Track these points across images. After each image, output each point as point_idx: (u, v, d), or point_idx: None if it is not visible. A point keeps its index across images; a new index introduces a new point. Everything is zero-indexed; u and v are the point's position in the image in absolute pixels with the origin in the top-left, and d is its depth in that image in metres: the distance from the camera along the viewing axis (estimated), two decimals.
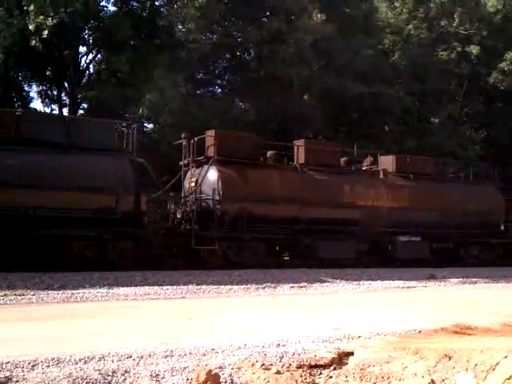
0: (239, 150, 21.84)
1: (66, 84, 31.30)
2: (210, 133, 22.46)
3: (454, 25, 39.46)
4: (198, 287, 16.79)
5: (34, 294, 14.39)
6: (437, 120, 42.43)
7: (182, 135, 22.66)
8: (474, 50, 38.57)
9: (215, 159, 21.59)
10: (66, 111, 31.65)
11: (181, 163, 22.95)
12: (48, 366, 7.01)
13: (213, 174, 21.57)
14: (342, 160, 24.86)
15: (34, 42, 25.49)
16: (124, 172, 19.65)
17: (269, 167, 22.77)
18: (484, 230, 27.42)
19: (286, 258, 24.60)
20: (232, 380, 7.30)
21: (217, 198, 21.15)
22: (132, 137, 20.36)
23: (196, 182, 21.81)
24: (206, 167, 21.69)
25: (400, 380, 7.63)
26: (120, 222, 19.31)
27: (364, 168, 25.71)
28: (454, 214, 26.30)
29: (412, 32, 39.63)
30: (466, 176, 28.20)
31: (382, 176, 25.14)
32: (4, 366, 6.89)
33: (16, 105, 30.68)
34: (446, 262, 25.83)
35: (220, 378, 7.21)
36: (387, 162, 26.03)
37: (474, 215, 26.86)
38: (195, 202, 21.51)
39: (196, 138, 22.38)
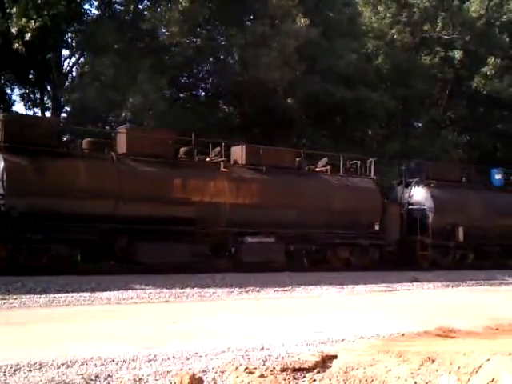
0: (35, 136, 18.42)
1: (48, 87, 31.17)
2: None
3: (437, 29, 39.69)
4: (182, 291, 16.78)
5: (16, 298, 14.31)
6: (420, 124, 42.66)
7: None
8: (457, 54, 38.81)
9: (1, 146, 18.22)
10: (48, 114, 31.53)
11: None
12: (30, 371, 6.97)
13: None
14: (182, 150, 21.95)
15: (16, 45, 25.34)
16: None
17: (74, 157, 19.39)
18: (355, 230, 24.38)
19: (111, 263, 21.26)
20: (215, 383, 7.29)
21: (0, 191, 17.88)
22: None
23: None
24: None
25: (383, 383, 7.64)
26: None
27: (208, 160, 22.35)
28: (318, 212, 23.23)
29: (395, 36, 39.82)
30: (336, 170, 24.87)
31: (223, 168, 21.71)
32: None
33: None
34: (312, 265, 23.93)
35: (203, 381, 7.19)
36: (237, 153, 22.94)
37: (343, 213, 23.80)
38: None
39: None
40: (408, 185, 27.38)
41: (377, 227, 25.03)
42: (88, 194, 18.66)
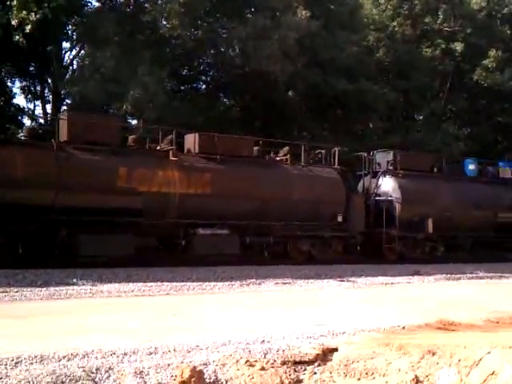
0: None
1: (49, 80, 31.10)
2: None
3: (438, 22, 39.58)
4: (183, 284, 16.79)
5: (17, 291, 14.34)
6: (421, 117, 42.61)
7: None
8: (458, 46, 38.72)
9: None
10: (49, 107, 31.51)
11: None
12: (31, 363, 6.98)
13: None
14: (130, 138, 21.10)
15: (16, 38, 25.31)
16: None
17: (11, 144, 18.56)
18: (316, 221, 23.25)
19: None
20: (216, 376, 7.31)
21: None
22: None
23: None
24: None
25: (384, 376, 7.67)
26: None
27: (158, 148, 21.09)
28: (277, 203, 22.20)
29: (396, 29, 39.74)
30: (296, 159, 23.80)
31: (172, 157, 20.50)
32: None
33: None
34: (274, 258, 22.77)
35: (204, 374, 7.22)
36: (190, 141, 21.83)
37: (304, 204, 22.73)
38: None
39: None
40: (375, 175, 26.41)
41: (340, 219, 23.96)
42: (26, 183, 17.72)
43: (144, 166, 20.06)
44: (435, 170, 28.09)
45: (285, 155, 23.91)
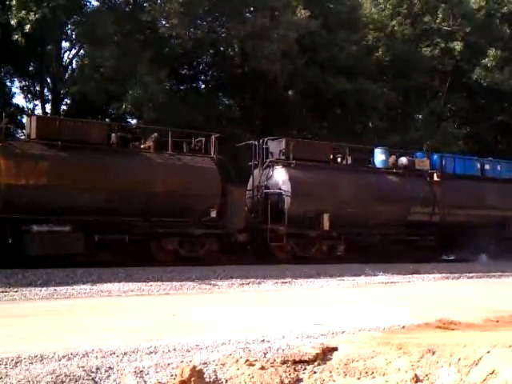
0: None
1: (48, 79, 31.10)
2: None
3: (438, 21, 39.57)
4: (182, 283, 16.81)
5: (16, 291, 14.35)
6: (420, 116, 42.61)
7: None
8: (458, 46, 38.70)
9: None
10: (48, 107, 31.51)
11: None
12: (31, 363, 6.98)
13: None
14: None
15: (16, 37, 25.30)
16: None
17: None
18: (185, 217, 20.69)
19: None
20: (216, 376, 7.31)
21: None
22: None
23: None
24: None
25: (384, 375, 7.67)
26: None
27: None
28: (135, 196, 19.67)
29: (396, 28, 39.72)
30: (160, 147, 21.11)
31: None
32: None
33: None
34: (136, 258, 20.16)
35: (204, 374, 7.22)
36: (28, 125, 19.34)
37: (169, 197, 20.18)
38: None
39: None
40: (267, 165, 23.54)
41: (213, 214, 21.35)
42: None
43: None
44: (339, 160, 25.26)
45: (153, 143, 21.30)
